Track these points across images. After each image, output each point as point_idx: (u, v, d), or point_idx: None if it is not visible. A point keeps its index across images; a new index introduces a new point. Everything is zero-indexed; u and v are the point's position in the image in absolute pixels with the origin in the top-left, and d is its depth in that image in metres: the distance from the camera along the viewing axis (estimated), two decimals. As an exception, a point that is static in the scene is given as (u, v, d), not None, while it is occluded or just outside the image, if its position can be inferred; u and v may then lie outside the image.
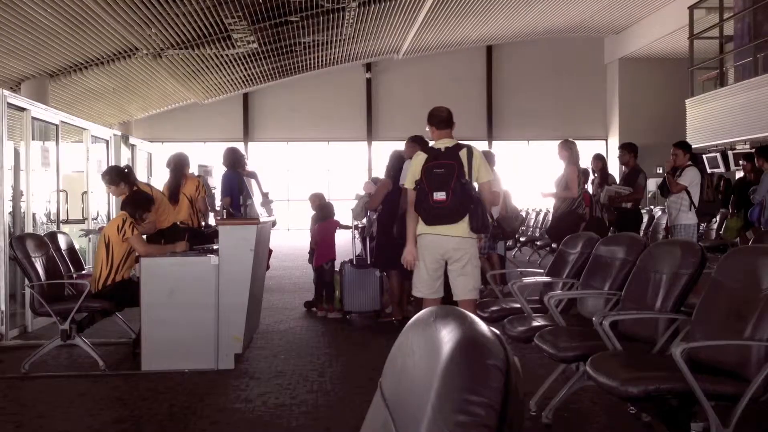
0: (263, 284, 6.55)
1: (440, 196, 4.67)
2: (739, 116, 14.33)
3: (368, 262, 7.23)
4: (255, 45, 15.94)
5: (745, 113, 14.12)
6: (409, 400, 1.11)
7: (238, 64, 17.83)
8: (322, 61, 20.05)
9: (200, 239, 6.25)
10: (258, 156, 22.81)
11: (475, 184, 4.91)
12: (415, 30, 17.97)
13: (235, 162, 7.23)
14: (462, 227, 4.72)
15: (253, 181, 6.46)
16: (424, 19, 16.84)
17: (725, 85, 15.52)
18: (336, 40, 17.72)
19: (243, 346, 5.27)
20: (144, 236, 5.65)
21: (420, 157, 4.87)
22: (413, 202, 4.84)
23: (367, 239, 7.35)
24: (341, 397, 4.52)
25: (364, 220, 7.57)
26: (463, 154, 4.79)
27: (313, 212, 8.12)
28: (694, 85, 16.70)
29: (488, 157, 7.99)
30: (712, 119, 15.53)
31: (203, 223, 6.94)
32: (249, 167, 8.11)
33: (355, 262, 7.34)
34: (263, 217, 5.75)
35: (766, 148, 8.36)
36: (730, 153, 14.43)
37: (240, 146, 22.30)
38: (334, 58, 20.20)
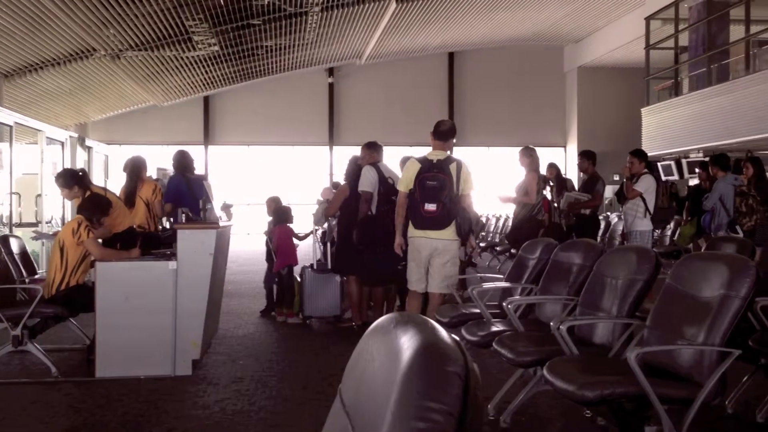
0: (222, 289, 6.49)
1: (431, 207, 5.30)
2: (692, 125, 14.68)
3: (328, 267, 7.22)
4: (216, 48, 15.80)
5: (698, 122, 14.47)
6: (368, 406, 1.11)
7: (198, 67, 17.65)
8: (284, 65, 19.97)
9: (157, 243, 6.16)
10: (219, 159, 22.60)
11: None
12: (377, 36, 18.02)
13: (184, 166, 6.97)
14: (449, 231, 5.38)
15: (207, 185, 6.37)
16: (386, 24, 16.91)
17: (680, 94, 15.88)
18: (298, 44, 17.67)
19: (201, 351, 5.21)
20: (100, 240, 5.55)
21: (414, 167, 5.40)
22: (404, 204, 5.48)
23: (328, 244, 7.33)
24: (300, 403, 4.50)
25: (325, 225, 7.56)
26: (453, 168, 5.37)
27: (270, 217, 8.04)
28: (650, 94, 17.07)
29: None
30: (667, 128, 15.88)
31: (161, 227, 6.83)
32: (210, 170, 8.02)
33: (315, 267, 7.32)
34: (223, 221, 5.70)
35: (720, 157, 8.57)
36: (684, 161, 14.76)
37: (200, 149, 22.14)
38: (296, 62, 20.13)
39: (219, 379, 5.01)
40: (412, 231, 5.47)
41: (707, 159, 10.39)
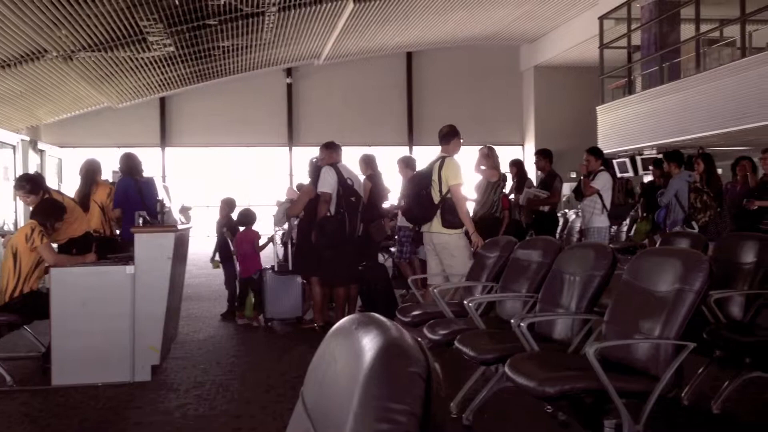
0: (182, 292, 6.40)
1: (401, 202, 6.06)
2: (646, 123, 14.98)
3: (290, 269, 7.18)
4: (172, 48, 15.58)
5: (651, 120, 14.77)
6: (330, 408, 1.11)
7: (154, 68, 17.39)
8: (241, 65, 19.79)
9: (114, 248, 6.05)
10: (176, 161, 22.30)
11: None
12: (335, 36, 17.98)
13: (131, 169, 6.76)
14: (436, 224, 5.82)
15: (165, 187, 6.28)
16: (344, 25, 16.88)
17: (633, 92, 16.19)
18: (255, 45, 17.53)
19: (160, 356, 5.14)
20: (54, 245, 5.43)
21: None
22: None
23: (288, 245, 7.29)
24: (263, 406, 4.46)
25: (285, 226, 7.51)
26: (436, 166, 5.83)
27: (219, 218, 7.94)
28: (605, 92, 17.35)
29: (408, 162, 8.09)
30: (621, 125, 16.17)
31: (117, 231, 6.71)
32: (168, 173, 7.91)
33: (276, 269, 7.27)
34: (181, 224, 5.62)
35: (675, 154, 8.75)
36: (638, 158, 15.05)
37: (157, 151, 21.81)
38: (253, 63, 19.97)
39: (179, 384, 4.95)
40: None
41: (660, 156, 10.61)
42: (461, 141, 6.12)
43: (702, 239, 5.53)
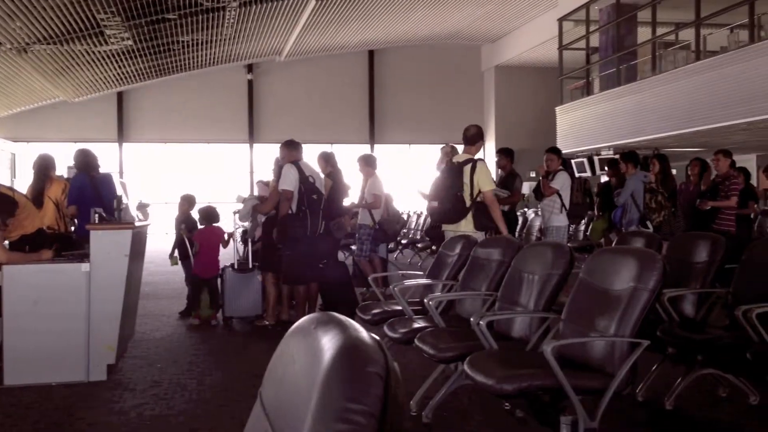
0: (139, 290, 6.31)
1: (434, 203, 6.07)
2: (603, 123, 15.23)
3: (250, 267, 7.13)
4: (130, 42, 15.33)
5: (608, 121, 15.02)
6: (289, 409, 1.10)
7: (111, 62, 17.09)
8: (201, 60, 19.57)
9: (69, 245, 5.92)
10: (134, 157, 21.95)
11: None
12: (297, 32, 17.89)
13: (86, 165, 6.55)
14: (466, 224, 5.92)
15: (122, 183, 6.17)
16: (306, 21, 16.80)
17: (591, 94, 16.44)
18: (216, 40, 17.35)
19: (116, 355, 5.06)
20: (6, 242, 5.30)
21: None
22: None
23: (249, 243, 7.23)
24: (221, 405, 4.42)
25: (246, 224, 7.45)
26: (467, 168, 5.93)
27: (178, 214, 7.82)
28: (564, 93, 17.59)
29: (368, 160, 8.09)
30: (580, 126, 16.41)
31: (72, 228, 6.58)
32: (125, 169, 7.77)
33: (236, 267, 7.21)
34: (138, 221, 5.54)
35: (631, 154, 8.91)
36: (595, 158, 15.29)
37: (114, 147, 21.44)
38: (214, 58, 19.76)
39: (136, 384, 4.88)
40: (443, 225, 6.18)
41: (617, 156, 10.79)
42: (483, 142, 6.38)
43: (656, 239, 5.65)
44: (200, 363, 5.60)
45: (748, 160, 16.62)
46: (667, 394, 4.10)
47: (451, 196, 5.94)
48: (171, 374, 5.17)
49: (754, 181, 13.06)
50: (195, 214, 7.68)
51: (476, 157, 6.14)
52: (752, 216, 9.52)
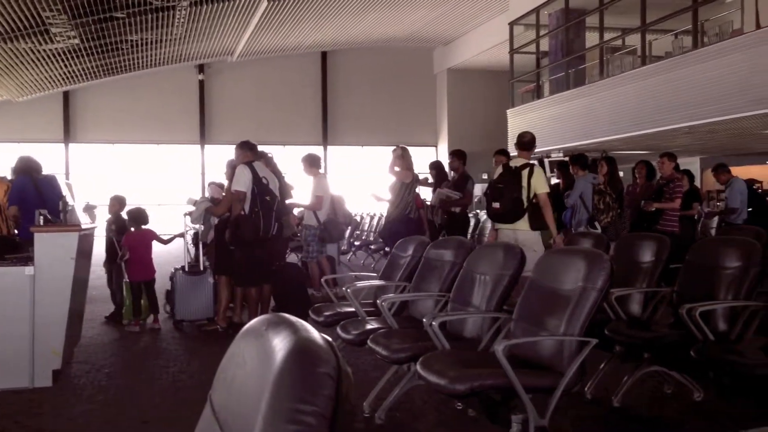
0: (86, 294, 6.17)
1: (496, 205, 6.38)
2: (553, 126, 15.48)
3: (200, 269, 7.04)
4: (76, 41, 15.00)
5: (558, 124, 15.28)
6: (239, 411, 1.09)
7: (57, 60, 16.68)
8: (151, 60, 19.25)
9: (12, 248, 5.76)
10: (81, 158, 21.48)
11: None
12: (249, 32, 17.75)
13: (27, 169, 6.38)
14: (522, 223, 6.29)
15: (68, 185, 6.03)
16: (258, 21, 16.69)
17: (541, 97, 16.71)
18: (166, 40, 17.10)
19: (62, 360, 4.94)
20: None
21: (498, 170, 6.61)
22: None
23: (200, 245, 7.14)
24: (172, 409, 4.36)
25: (197, 226, 7.35)
26: (525, 173, 6.28)
27: (109, 216, 7.60)
28: (515, 96, 17.83)
29: (312, 160, 8.08)
30: (530, 129, 16.56)
31: (15, 231, 6.39)
32: (71, 170, 7.58)
33: (187, 269, 7.11)
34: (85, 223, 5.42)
35: (579, 157, 9.08)
36: (546, 160, 15.53)
37: (60, 147, 20.94)
38: (164, 58, 19.47)
39: (83, 390, 4.77)
40: (497, 224, 6.57)
41: (566, 159, 10.98)
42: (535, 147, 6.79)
43: (604, 239, 5.76)
44: (149, 367, 5.50)
45: (692, 163, 17.10)
46: (615, 391, 4.18)
47: (512, 199, 6.32)
48: (120, 379, 5.07)
49: (697, 183, 13.44)
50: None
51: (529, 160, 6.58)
52: (696, 217, 9.79)
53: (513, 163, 6.53)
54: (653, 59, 13.26)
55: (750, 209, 8.39)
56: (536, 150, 16.19)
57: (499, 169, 6.59)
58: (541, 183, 6.38)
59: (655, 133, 12.63)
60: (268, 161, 7.10)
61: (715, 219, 10.39)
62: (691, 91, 11.62)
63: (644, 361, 4.23)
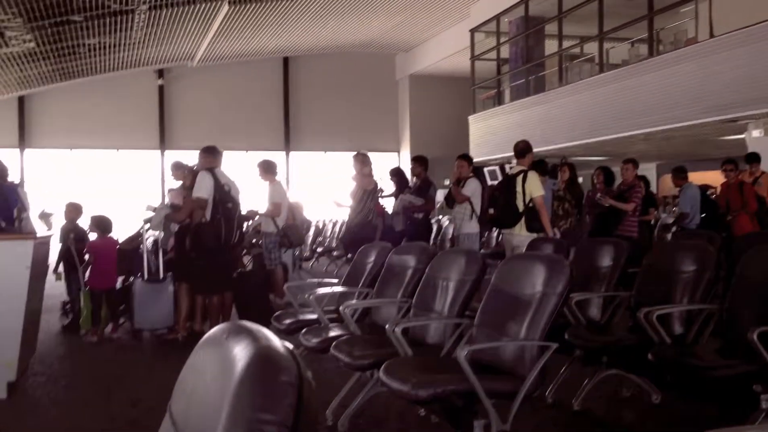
0: (41, 304, 6.03)
1: (491, 210, 6.80)
2: (514, 132, 15.62)
3: (161, 277, 6.94)
4: (32, 44, 14.69)
5: (519, 130, 15.44)
6: (199, 421, 1.08)
7: (11, 65, 16.32)
8: (109, 64, 18.96)
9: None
10: (37, 164, 21.03)
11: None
12: (210, 37, 17.59)
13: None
14: (519, 228, 6.62)
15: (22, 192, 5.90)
16: (219, 27, 16.55)
17: (502, 103, 16.88)
18: (125, 44, 16.85)
19: (17, 372, 4.81)
20: None
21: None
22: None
23: (161, 252, 7.04)
24: (130, 422, 4.28)
25: (157, 233, 7.24)
26: (519, 178, 6.60)
27: (65, 223, 7.45)
28: (476, 102, 17.98)
29: (268, 167, 8.06)
30: (492, 135, 16.81)
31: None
32: (27, 177, 7.41)
33: (146, 277, 7.00)
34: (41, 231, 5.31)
35: (539, 163, 9.15)
36: (507, 166, 15.64)
37: (15, 153, 20.46)
38: (122, 62, 19.18)
39: (39, 402, 4.66)
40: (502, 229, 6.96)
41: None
42: (532, 154, 7.11)
43: (564, 245, 5.84)
44: (107, 378, 5.40)
45: (648, 169, 17.45)
46: (575, 395, 4.23)
47: (506, 204, 6.67)
48: (77, 391, 4.97)
49: (654, 188, 13.70)
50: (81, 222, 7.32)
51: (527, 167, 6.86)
52: (652, 222, 9.98)
53: (511, 171, 6.95)
54: (611, 67, 13.49)
55: (704, 215, 8.57)
56: (497, 156, 16.34)
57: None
58: (535, 187, 6.65)
59: (613, 139, 12.85)
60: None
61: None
62: (647, 98, 11.85)
63: (603, 364, 4.29)
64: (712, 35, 10.63)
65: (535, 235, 6.55)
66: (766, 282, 3.59)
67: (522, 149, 6.95)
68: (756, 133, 11.06)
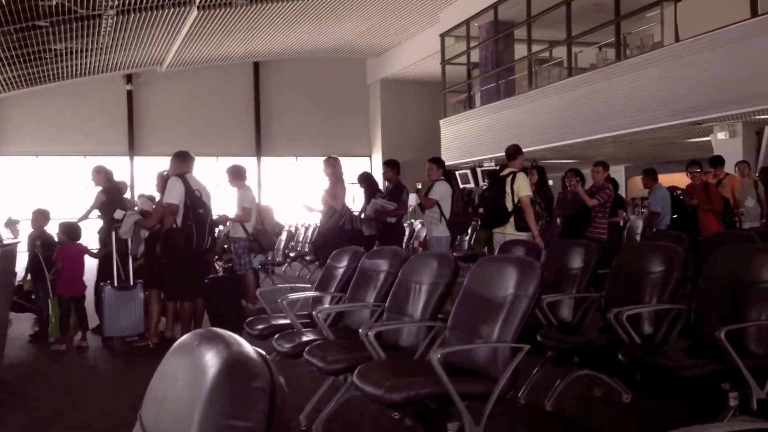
0: (8, 312, 5.93)
1: (482, 210, 7.05)
2: (485, 136, 15.76)
3: (131, 284, 6.86)
4: (-3, 49, 14.46)
5: (490, 134, 15.56)
6: (170, 429, 1.07)
7: (-24, 70, 16.06)
8: (77, 70, 18.72)
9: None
10: (3, 171, 20.67)
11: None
12: (179, 42, 17.46)
13: None
14: (509, 227, 6.90)
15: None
16: (188, 31, 16.44)
17: (473, 107, 16.99)
18: (92, 49, 16.66)
19: (-16, 383, 4.73)
20: None
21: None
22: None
23: (130, 259, 6.96)
24: (102, 430, 4.22)
25: (128, 239, 7.15)
26: (509, 180, 6.88)
27: (32, 230, 7.34)
28: (447, 106, 18.08)
29: (237, 172, 8.03)
30: (463, 138, 16.91)
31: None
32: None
33: (115, 284, 6.91)
34: (7, 239, 5.22)
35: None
36: (478, 170, 15.78)
37: (-20, 160, 20.12)
38: (90, 68, 18.95)
39: (7, 413, 4.58)
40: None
41: (497, 168, 11.17)
42: (523, 156, 7.34)
43: (535, 247, 5.89)
44: (78, 387, 5.32)
45: (617, 171, 17.67)
46: (548, 396, 4.27)
47: (494, 204, 6.95)
48: (47, 400, 4.89)
49: (622, 191, 13.88)
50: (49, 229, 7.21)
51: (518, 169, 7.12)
52: (621, 223, 10.10)
53: (502, 173, 7.15)
54: (579, 71, 13.66)
55: (675, 216, 8.70)
56: (468, 159, 16.42)
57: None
58: (522, 187, 6.92)
59: (581, 142, 13.00)
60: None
61: (639, 225, 10.75)
62: (614, 101, 12.01)
63: (575, 365, 4.33)
64: (677, 39, 10.81)
65: (523, 235, 6.82)
66: (732, 282, 3.65)
67: (512, 152, 7.21)
68: (721, 135, 11.27)
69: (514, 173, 6.98)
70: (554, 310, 4.58)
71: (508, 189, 6.93)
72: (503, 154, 7.51)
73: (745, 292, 3.56)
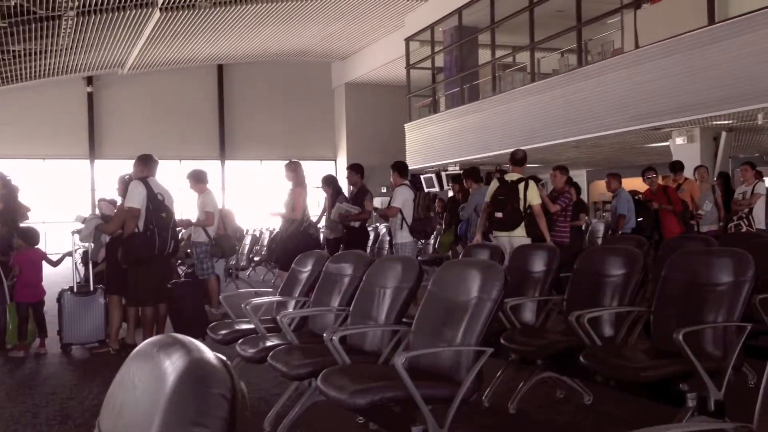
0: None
1: (499, 214, 7.11)
2: (450, 140, 15.85)
3: (91, 289, 6.74)
4: (-48, 50, 14.13)
5: (454, 138, 15.66)
6: (129, 437, 1.06)
7: (-69, 71, 15.67)
8: (36, 71, 18.37)
9: None
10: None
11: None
12: (141, 44, 17.24)
13: None
14: (519, 231, 7.05)
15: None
16: (150, 33, 16.24)
17: (437, 112, 17.08)
18: (52, 50, 16.37)
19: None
20: None
21: (494, 185, 7.30)
22: (486, 210, 7.31)
23: (90, 264, 6.84)
24: (60, 438, 4.14)
25: (88, 244, 7.04)
26: (521, 186, 7.08)
27: None
28: (412, 110, 18.14)
29: (198, 176, 7.97)
30: (428, 142, 16.98)
31: None
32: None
33: (75, 290, 6.79)
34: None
35: (472, 170, 9.32)
36: (443, 174, 15.87)
37: (-66, 163, 19.60)
38: (50, 69, 18.62)
39: (-39, 422, 4.47)
40: (495, 232, 7.24)
41: (462, 172, 11.25)
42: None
43: (498, 250, 5.94)
44: (36, 395, 5.21)
45: (579, 175, 17.90)
46: (511, 398, 4.30)
47: (513, 209, 7.08)
48: (2, 409, 4.77)
49: (584, 195, 14.07)
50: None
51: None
52: (583, 227, 10.24)
53: (509, 177, 7.25)
54: (542, 76, 13.81)
55: (640, 219, 8.85)
56: (433, 163, 16.50)
57: (494, 184, 7.38)
58: (534, 195, 7.13)
59: (544, 147, 13.14)
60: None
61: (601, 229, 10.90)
62: (576, 107, 12.18)
63: (538, 367, 4.38)
64: (637, 46, 11.00)
65: (528, 240, 6.94)
66: (690, 284, 3.72)
67: (521, 158, 7.43)
68: (680, 140, 11.49)
69: (526, 181, 7.16)
70: (517, 313, 4.62)
71: (521, 195, 7.10)
72: (468, 158, 7.59)
73: (703, 294, 3.63)
